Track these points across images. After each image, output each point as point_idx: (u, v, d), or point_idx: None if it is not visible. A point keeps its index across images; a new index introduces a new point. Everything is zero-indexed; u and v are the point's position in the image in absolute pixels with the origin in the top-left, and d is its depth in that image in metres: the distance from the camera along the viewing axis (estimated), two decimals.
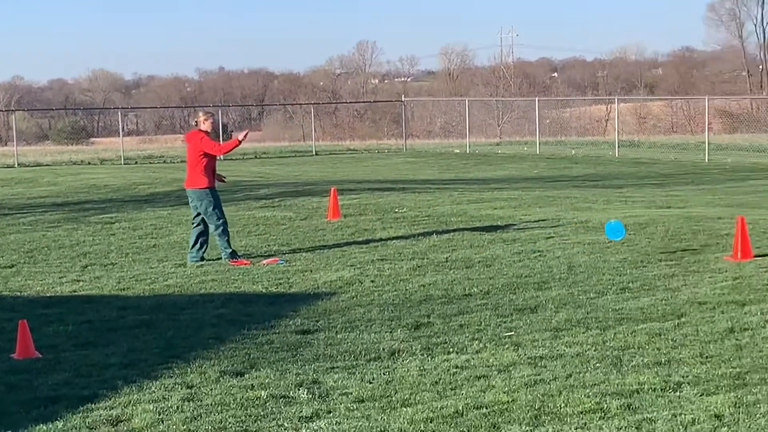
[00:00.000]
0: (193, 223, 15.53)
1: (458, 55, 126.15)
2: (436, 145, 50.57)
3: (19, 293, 13.30)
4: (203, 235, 15.36)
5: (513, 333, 10.27)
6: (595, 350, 9.48)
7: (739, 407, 7.61)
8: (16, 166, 38.82)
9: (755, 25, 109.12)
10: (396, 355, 9.51)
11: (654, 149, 44.57)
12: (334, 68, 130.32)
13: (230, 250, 15.19)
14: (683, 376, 8.50)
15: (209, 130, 15.37)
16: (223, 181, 16.07)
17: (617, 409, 7.67)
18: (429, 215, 19.71)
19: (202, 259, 15.26)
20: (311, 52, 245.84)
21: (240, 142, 14.89)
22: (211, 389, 8.53)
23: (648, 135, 59.72)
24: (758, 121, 58.11)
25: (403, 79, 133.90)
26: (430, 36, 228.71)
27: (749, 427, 7.22)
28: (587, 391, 8.16)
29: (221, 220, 15.20)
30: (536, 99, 49.32)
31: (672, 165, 36.03)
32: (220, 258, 15.18)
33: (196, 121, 15.33)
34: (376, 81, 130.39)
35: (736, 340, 9.76)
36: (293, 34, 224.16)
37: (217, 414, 7.85)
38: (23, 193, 27.62)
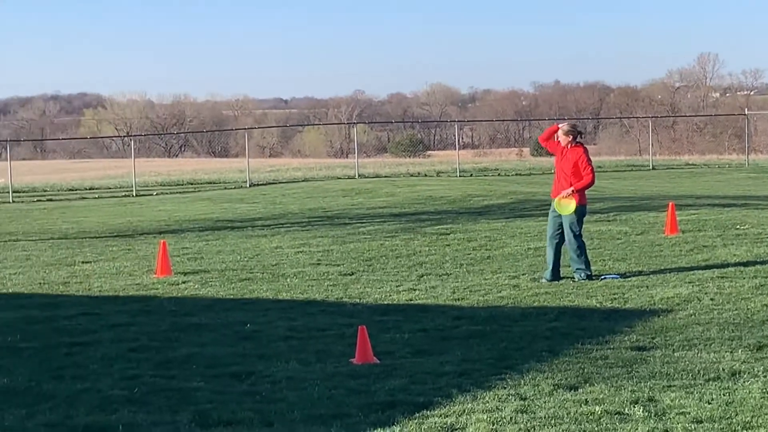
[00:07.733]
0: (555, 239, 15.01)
1: None
2: None
3: (358, 300, 13.68)
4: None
5: None
6: None
7: None
8: (356, 177, 40.09)
9: None
10: (737, 376, 9.15)
11: None
12: (673, 81, 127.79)
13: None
14: None
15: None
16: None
17: None
18: None
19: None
20: (649, 65, 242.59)
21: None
22: (545, 402, 8.46)
23: None
24: None
25: (746, 92, 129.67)
26: None
27: None
28: None
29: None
30: None
31: None
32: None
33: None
34: (717, 94, 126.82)
35: None
36: (631, 47, 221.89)
37: (550, 427, 7.78)
38: (363, 203, 28.48)
